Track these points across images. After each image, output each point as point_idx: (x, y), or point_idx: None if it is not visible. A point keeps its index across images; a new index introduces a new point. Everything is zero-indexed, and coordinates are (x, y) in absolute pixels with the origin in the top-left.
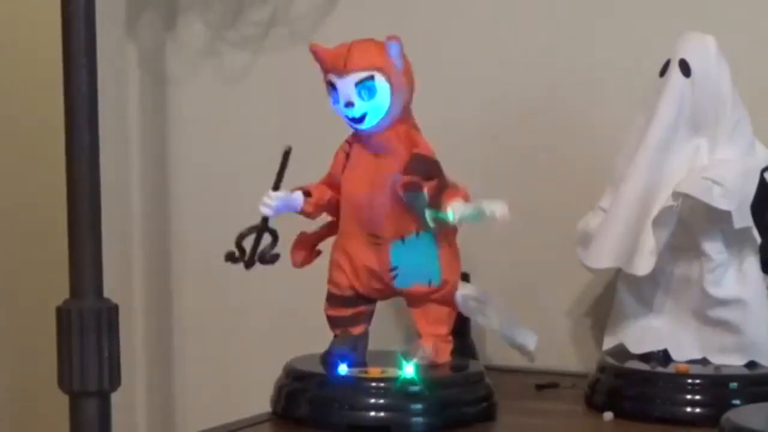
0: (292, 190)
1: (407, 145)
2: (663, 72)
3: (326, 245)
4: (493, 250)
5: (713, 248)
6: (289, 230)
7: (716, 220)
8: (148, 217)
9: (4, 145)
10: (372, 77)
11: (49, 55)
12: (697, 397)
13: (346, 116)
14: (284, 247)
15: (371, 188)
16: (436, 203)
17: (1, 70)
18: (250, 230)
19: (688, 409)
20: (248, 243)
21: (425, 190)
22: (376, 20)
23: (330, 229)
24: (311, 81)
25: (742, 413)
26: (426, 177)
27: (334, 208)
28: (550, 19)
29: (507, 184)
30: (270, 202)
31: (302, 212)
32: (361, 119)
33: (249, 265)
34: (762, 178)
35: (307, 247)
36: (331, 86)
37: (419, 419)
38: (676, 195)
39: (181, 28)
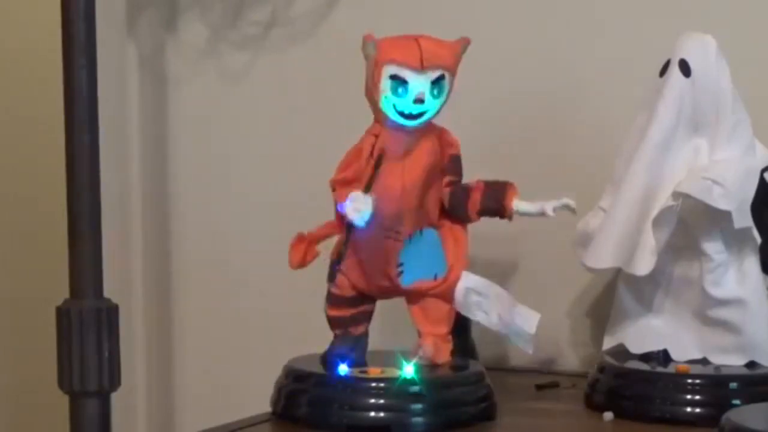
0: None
1: (441, 143)
2: (663, 72)
3: (326, 248)
4: (493, 250)
5: (713, 248)
6: (287, 230)
7: (716, 220)
8: (148, 217)
9: (4, 145)
10: (443, 77)
11: (49, 55)
12: (697, 397)
13: (403, 111)
14: (280, 247)
15: (404, 184)
16: (495, 204)
17: (1, 70)
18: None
19: (688, 409)
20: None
21: (474, 194)
22: (376, 20)
23: (330, 229)
24: (311, 81)
25: (742, 413)
26: (461, 177)
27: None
28: (550, 19)
29: None
30: (366, 207)
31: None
32: (419, 115)
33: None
34: (762, 178)
35: (305, 247)
36: (399, 80)
37: (419, 419)
38: (676, 195)
39: (181, 28)
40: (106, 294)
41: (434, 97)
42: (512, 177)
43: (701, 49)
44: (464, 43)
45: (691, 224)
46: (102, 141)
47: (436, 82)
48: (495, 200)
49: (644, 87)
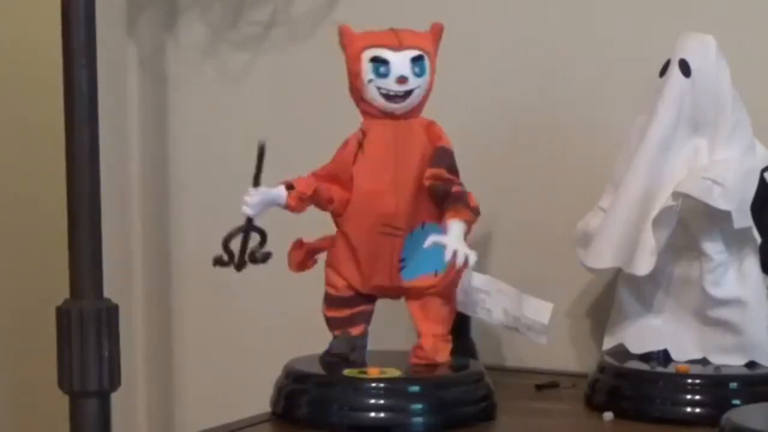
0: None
1: (431, 136)
2: (663, 72)
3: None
4: (493, 250)
5: (713, 248)
6: (287, 232)
7: (716, 220)
8: (148, 217)
9: (4, 145)
10: (422, 57)
11: (49, 55)
12: (697, 397)
13: (388, 92)
14: (280, 248)
15: (394, 177)
16: (449, 206)
17: (1, 70)
18: (235, 231)
19: (688, 409)
20: (236, 245)
21: (452, 190)
22: (376, 21)
23: (329, 243)
24: (311, 81)
25: (742, 413)
26: (449, 170)
27: (323, 200)
28: (550, 19)
29: (507, 183)
30: (250, 200)
31: (287, 207)
32: (405, 96)
33: (240, 267)
34: (762, 178)
35: (305, 253)
36: (380, 61)
37: (419, 419)
38: (676, 195)
39: (181, 28)
40: (106, 294)
41: (416, 75)
42: (512, 177)
43: (701, 49)
44: (437, 28)
45: (691, 224)
46: (102, 141)
47: (416, 61)
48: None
49: (644, 87)
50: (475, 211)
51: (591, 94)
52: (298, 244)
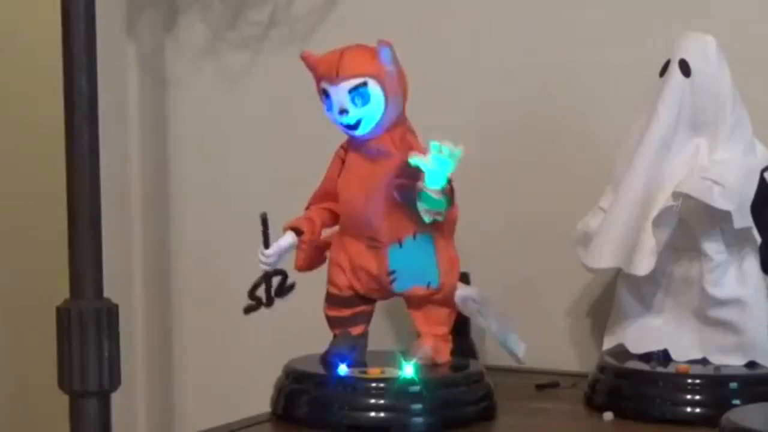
0: (284, 229)
1: (403, 149)
2: (663, 72)
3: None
4: (493, 250)
5: (713, 248)
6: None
7: (716, 220)
8: (148, 217)
9: (4, 145)
10: (365, 83)
11: (49, 55)
12: (697, 397)
13: (341, 123)
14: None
15: (367, 192)
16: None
17: (1, 70)
18: (259, 281)
19: (688, 409)
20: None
21: (418, 183)
22: (376, 21)
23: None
24: (311, 81)
25: (742, 413)
26: (418, 180)
27: (332, 220)
28: (550, 19)
29: (507, 183)
30: (266, 260)
31: (303, 247)
32: (355, 126)
33: (269, 305)
34: (762, 178)
35: (311, 252)
36: (325, 94)
37: (419, 419)
38: (676, 195)
39: (181, 28)
40: (106, 294)
41: (357, 105)
42: (512, 177)
43: (701, 49)
44: (380, 47)
45: (691, 224)
46: (102, 141)
47: (355, 90)
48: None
49: (644, 87)
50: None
51: (591, 94)
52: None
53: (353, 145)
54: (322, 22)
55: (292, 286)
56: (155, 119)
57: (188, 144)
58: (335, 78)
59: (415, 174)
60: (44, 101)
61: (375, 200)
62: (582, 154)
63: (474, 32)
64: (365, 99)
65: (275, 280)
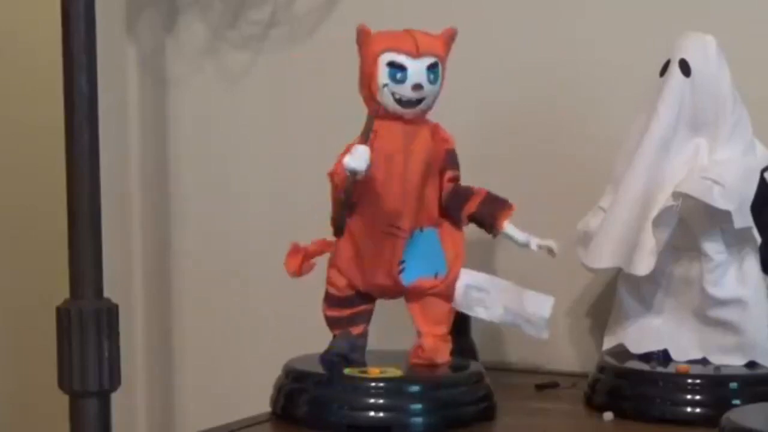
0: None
1: (437, 138)
2: (663, 72)
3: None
4: (493, 250)
5: (713, 248)
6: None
7: (716, 220)
8: (148, 217)
9: (4, 145)
10: (437, 64)
11: (49, 55)
12: (697, 397)
13: (401, 99)
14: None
15: (404, 177)
16: (489, 216)
17: (1, 70)
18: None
19: (688, 409)
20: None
21: (474, 199)
22: (376, 21)
23: (324, 246)
24: (311, 81)
25: (742, 413)
26: (458, 170)
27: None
28: (550, 19)
29: (507, 183)
30: (363, 156)
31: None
32: (418, 102)
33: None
34: (762, 178)
35: (301, 260)
36: (397, 67)
37: (419, 419)
38: (676, 195)
39: (181, 28)
40: (106, 294)
41: (431, 82)
42: (512, 177)
43: (701, 49)
44: (451, 33)
45: (691, 224)
46: (102, 141)
47: (431, 68)
48: (490, 213)
49: (644, 87)
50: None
51: (591, 94)
52: (294, 249)
53: (386, 129)
54: (323, 21)
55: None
56: (155, 119)
57: (188, 144)
58: (416, 53)
59: (458, 167)
60: (44, 101)
61: (410, 184)
62: (582, 154)
63: (474, 32)
64: (436, 77)
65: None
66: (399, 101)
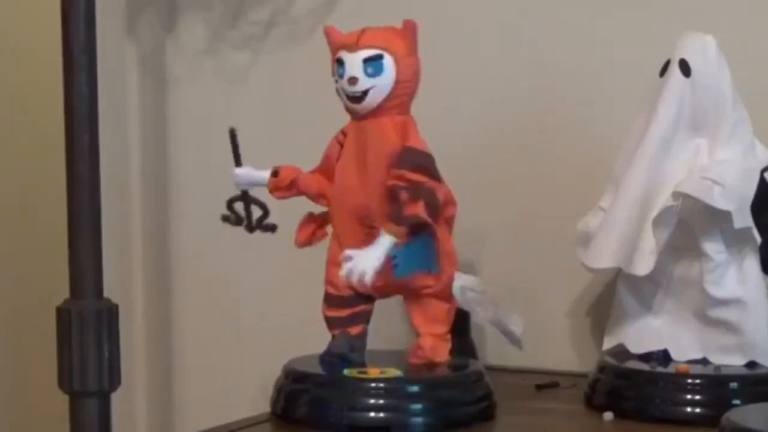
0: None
1: (401, 136)
2: (663, 72)
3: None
4: (493, 250)
5: (713, 248)
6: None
7: (716, 220)
8: (148, 217)
9: (4, 145)
10: (381, 56)
11: (49, 55)
12: (697, 397)
13: (347, 95)
14: (281, 244)
15: (364, 175)
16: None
17: (1, 70)
18: (236, 197)
19: (688, 409)
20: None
21: (402, 197)
22: (376, 21)
23: None
24: (311, 81)
25: (742, 413)
26: (414, 169)
27: (310, 192)
28: (550, 18)
29: (507, 183)
30: (235, 179)
31: (269, 191)
32: (361, 97)
33: (250, 229)
34: (762, 178)
35: (313, 226)
36: (339, 63)
37: (419, 419)
38: (676, 195)
39: (181, 28)
40: (106, 294)
41: (369, 75)
42: (512, 177)
43: (701, 49)
44: (408, 25)
45: (691, 224)
46: (102, 141)
47: (370, 61)
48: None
49: (644, 87)
50: (410, 224)
51: (591, 94)
52: (309, 218)
53: (353, 127)
54: (322, 22)
55: (273, 227)
56: (155, 119)
57: (188, 144)
58: (354, 46)
59: (408, 164)
60: (44, 101)
61: (371, 183)
62: (582, 154)
63: (474, 32)
64: (377, 70)
65: (255, 209)
66: (347, 96)
